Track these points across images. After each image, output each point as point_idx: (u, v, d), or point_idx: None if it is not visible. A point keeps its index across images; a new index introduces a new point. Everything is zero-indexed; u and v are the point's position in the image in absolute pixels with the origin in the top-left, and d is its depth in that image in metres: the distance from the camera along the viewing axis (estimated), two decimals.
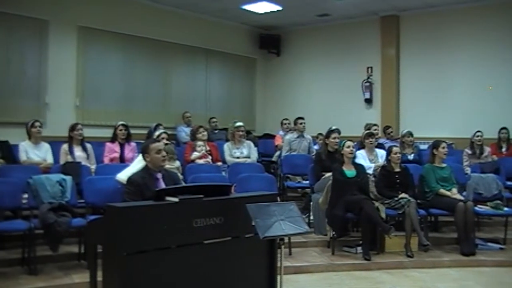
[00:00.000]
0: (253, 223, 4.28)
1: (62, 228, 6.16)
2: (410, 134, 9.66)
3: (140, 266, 4.04)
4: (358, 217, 7.36)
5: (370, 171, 8.26)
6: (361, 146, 9.01)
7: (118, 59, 11.45)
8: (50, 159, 8.10)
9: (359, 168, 7.75)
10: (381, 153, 8.83)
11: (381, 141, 10.35)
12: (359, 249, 7.40)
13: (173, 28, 12.31)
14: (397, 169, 7.94)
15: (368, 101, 13.12)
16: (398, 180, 7.85)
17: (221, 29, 13.57)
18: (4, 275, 6.12)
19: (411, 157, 9.45)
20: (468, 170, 9.16)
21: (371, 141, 8.89)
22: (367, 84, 13.12)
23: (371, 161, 8.72)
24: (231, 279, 4.64)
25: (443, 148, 8.09)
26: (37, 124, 8.13)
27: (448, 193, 7.79)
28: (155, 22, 11.94)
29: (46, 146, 8.22)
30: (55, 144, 8.35)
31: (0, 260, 6.54)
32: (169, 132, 9.14)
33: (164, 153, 5.74)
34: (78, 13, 10.58)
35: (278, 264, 4.79)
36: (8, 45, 9.63)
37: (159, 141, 5.99)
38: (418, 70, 12.52)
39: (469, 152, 9.65)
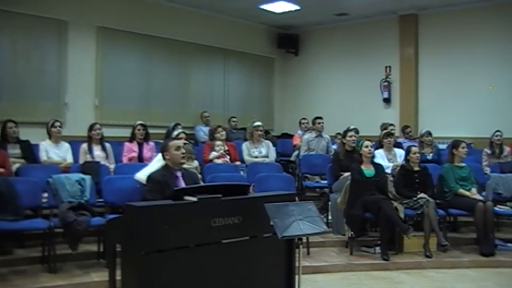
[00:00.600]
0: (271, 223, 4.27)
1: (82, 227, 6.20)
2: (428, 133, 9.62)
3: (158, 265, 4.06)
4: (376, 217, 7.32)
5: (388, 171, 8.24)
6: (379, 145, 8.98)
7: (136, 59, 11.50)
8: (69, 159, 8.16)
9: (378, 167, 7.72)
10: (400, 153, 8.80)
11: (399, 140, 10.31)
12: (378, 249, 7.38)
13: (191, 28, 12.33)
14: (416, 169, 7.90)
15: (387, 101, 13.06)
16: (417, 180, 7.81)
17: (239, 28, 13.58)
18: (24, 273, 6.18)
19: (429, 156, 9.41)
20: (487, 170, 9.09)
21: (389, 141, 8.87)
22: (386, 83, 13.06)
23: (389, 160, 8.69)
24: (249, 278, 4.64)
25: (463, 148, 8.04)
26: (57, 124, 8.21)
27: (467, 193, 7.74)
28: (174, 22, 11.98)
29: (66, 146, 8.28)
30: (74, 143, 8.42)
31: (21, 258, 6.61)
32: (187, 131, 9.17)
33: (183, 150, 5.78)
34: (97, 13, 10.64)
35: (296, 264, 4.79)
36: (29, 46, 9.71)
37: (178, 138, 6.00)
38: (437, 69, 12.43)
39: (489, 152, 9.57)
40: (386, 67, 13.07)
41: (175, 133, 8.39)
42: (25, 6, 9.49)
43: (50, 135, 8.19)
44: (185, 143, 6.74)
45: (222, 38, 13.10)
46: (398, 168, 8.18)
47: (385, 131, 9.34)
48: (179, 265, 4.17)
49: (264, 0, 11.91)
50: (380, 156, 8.60)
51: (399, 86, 12.89)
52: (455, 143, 8.15)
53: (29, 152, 8.07)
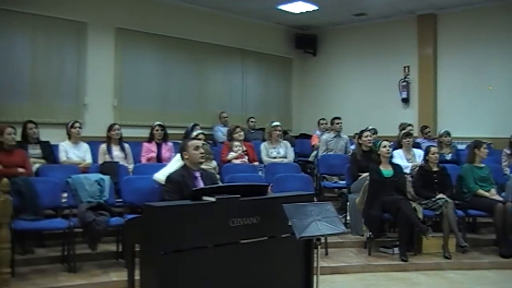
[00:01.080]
0: (290, 223, 4.28)
1: (101, 227, 6.25)
2: (447, 133, 9.56)
3: (177, 265, 4.07)
4: (395, 217, 7.29)
5: (407, 171, 8.21)
6: (398, 145, 8.95)
7: (155, 60, 11.55)
8: (89, 159, 8.21)
9: (396, 168, 7.70)
10: (419, 153, 8.76)
11: (418, 140, 10.25)
12: (396, 249, 7.35)
13: (209, 29, 12.36)
14: (435, 169, 7.86)
15: (405, 101, 12.99)
16: (436, 180, 7.77)
17: (257, 29, 13.59)
18: (44, 272, 6.24)
19: (448, 157, 9.34)
20: (507, 170, 8.99)
21: (408, 141, 8.84)
22: (404, 83, 13.00)
23: (408, 160, 8.67)
24: (267, 279, 4.65)
25: (485, 148, 7.98)
26: (76, 124, 8.26)
27: (486, 193, 7.68)
28: (191, 23, 12.01)
29: (85, 146, 8.34)
30: (93, 144, 8.47)
31: (41, 258, 6.68)
32: (206, 132, 9.21)
33: (202, 150, 5.79)
34: (116, 15, 10.71)
35: (315, 264, 4.79)
36: (49, 47, 9.80)
37: (197, 138, 6.01)
38: (456, 69, 12.34)
39: (508, 152, 9.46)
40: (404, 67, 13.01)
41: (194, 133, 8.42)
42: (45, 8, 9.58)
43: (69, 136, 8.25)
44: (203, 144, 6.76)
45: (240, 38, 13.12)
46: (417, 168, 8.14)
47: (403, 131, 9.29)
48: (198, 265, 4.19)
49: (282, 0, 11.91)
50: (399, 156, 8.58)
51: (418, 86, 12.82)
52: (476, 143, 8.09)
53: (49, 152, 8.13)
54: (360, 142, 8.55)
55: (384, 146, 7.64)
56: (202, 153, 5.78)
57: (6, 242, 5.03)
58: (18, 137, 7.66)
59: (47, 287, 5.80)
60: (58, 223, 6.47)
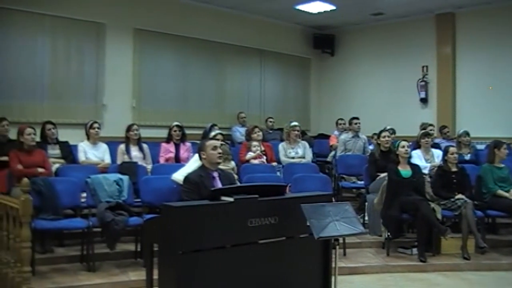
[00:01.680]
0: (308, 223, 4.28)
1: (119, 226, 6.29)
2: (466, 134, 9.48)
3: (195, 265, 4.09)
4: (413, 218, 7.26)
5: (426, 171, 8.17)
6: (416, 146, 8.91)
7: (173, 61, 11.59)
8: (107, 159, 8.26)
9: (415, 168, 7.66)
10: (438, 153, 8.70)
11: (437, 141, 10.18)
12: (415, 250, 7.32)
13: (227, 29, 12.38)
14: (454, 170, 7.81)
15: (424, 101, 12.91)
16: (454, 181, 7.72)
17: (275, 29, 13.59)
18: (64, 271, 6.31)
19: (467, 157, 9.26)
20: None
21: (427, 141, 8.79)
22: (423, 83, 12.92)
23: (427, 161, 8.61)
24: (285, 279, 4.65)
25: (505, 148, 7.92)
26: (95, 125, 8.31)
27: (506, 194, 7.62)
28: (209, 24, 12.04)
29: (103, 147, 8.39)
30: (112, 144, 8.53)
31: (61, 257, 6.75)
32: (224, 132, 9.21)
33: (220, 150, 5.80)
34: (134, 16, 10.76)
35: (333, 265, 4.78)
36: (68, 48, 9.87)
37: (215, 138, 6.02)
38: (475, 68, 12.24)
39: None
40: (423, 66, 12.93)
41: (212, 134, 8.44)
42: (65, 10, 9.66)
43: (88, 136, 8.31)
44: (222, 144, 6.78)
45: (258, 38, 13.13)
46: (436, 168, 8.10)
47: (423, 131, 9.24)
48: (216, 265, 4.20)
49: (299, 0, 11.90)
50: (418, 157, 8.53)
51: (436, 86, 12.74)
52: (496, 143, 8.03)
53: (68, 152, 8.20)
54: (379, 142, 8.53)
55: (403, 146, 7.60)
56: (220, 153, 5.79)
57: (27, 241, 5.07)
58: (38, 138, 7.73)
59: (67, 285, 5.86)
60: (77, 222, 6.52)
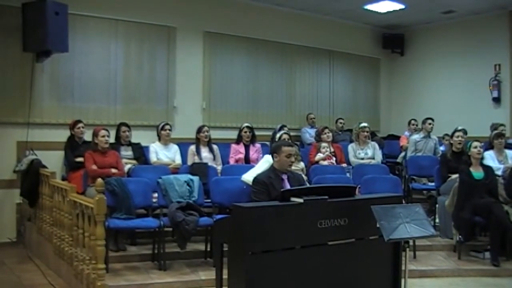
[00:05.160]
0: (378, 225, 4.24)
1: (190, 226, 6.38)
2: None
3: (264, 266, 4.11)
4: (486, 221, 7.06)
5: (499, 173, 7.93)
6: (489, 146, 8.68)
7: (242, 62, 11.65)
8: (178, 160, 8.39)
9: (488, 169, 7.46)
10: (511, 154, 8.45)
11: (510, 141, 9.89)
12: (487, 254, 7.14)
13: (296, 30, 12.37)
14: None
15: (496, 100, 12.51)
16: None
17: (343, 29, 13.48)
18: (136, 269, 6.47)
19: None
20: None
21: (500, 142, 8.53)
22: (495, 82, 12.53)
23: (500, 162, 8.37)
24: (354, 281, 4.62)
25: None
26: (166, 126, 8.47)
27: None
28: (278, 25, 12.05)
29: (175, 147, 8.54)
30: (183, 145, 8.68)
31: (133, 255, 6.93)
32: (293, 133, 9.20)
33: (293, 159, 5.82)
34: (204, 19, 10.86)
35: (403, 268, 4.72)
36: (140, 52, 10.06)
37: (292, 145, 6.02)
38: None
39: None
40: (495, 65, 12.54)
41: (277, 135, 8.46)
42: (137, 15, 9.85)
43: (159, 137, 8.47)
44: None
45: (327, 39, 13.05)
46: (509, 170, 7.85)
47: (495, 131, 9.00)
48: (285, 266, 4.21)
49: (368, 0, 11.79)
50: (490, 158, 8.29)
51: (510, 85, 12.34)
52: None
53: (141, 153, 8.38)
54: (451, 142, 8.36)
55: (475, 147, 7.42)
56: (292, 162, 5.81)
57: (101, 239, 5.22)
58: (112, 139, 7.93)
59: (139, 283, 6.00)
60: (149, 222, 6.65)
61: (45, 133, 8.74)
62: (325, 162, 8.74)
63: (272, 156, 5.86)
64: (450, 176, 7.94)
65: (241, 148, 8.80)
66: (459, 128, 8.54)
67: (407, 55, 14.47)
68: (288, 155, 5.72)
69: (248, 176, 6.62)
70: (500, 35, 12.36)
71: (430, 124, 9.98)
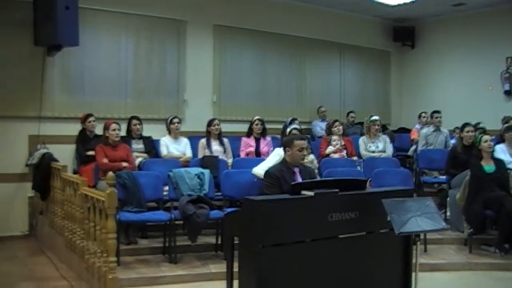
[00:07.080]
0: (389, 219, 4.23)
1: (201, 219, 6.40)
2: None
3: (275, 259, 4.11)
4: (497, 214, 7.04)
5: (510, 166, 7.89)
6: (500, 140, 8.63)
7: (253, 56, 11.63)
8: (189, 153, 8.42)
9: (499, 163, 7.42)
10: None
11: None
12: None
13: (306, 24, 12.33)
14: None
15: (508, 93, 12.45)
16: None
17: (354, 22, 13.42)
18: (147, 262, 6.50)
19: None
20: None
21: (511, 135, 8.48)
22: (507, 75, 12.45)
23: (511, 155, 8.32)
24: (365, 274, 4.61)
25: None
26: (175, 120, 8.49)
27: None
28: (288, 18, 12.01)
29: (185, 141, 8.57)
30: (193, 138, 8.70)
31: (144, 248, 6.96)
32: (304, 126, 9.19)
33: (305, 153, 5.83)
34: (214, 12, 10.85)
35: (414, 261, 4.71)
36: (151, 46, 10.05)
37: (304, 139, 6.02)
38: None
39: None
40: (507, 58, 12.45)
41: (288, 130, 8.46)
42: (148, 8, 9.84)
43: (169, 131, 8.50)
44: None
45: (337, 32, 13.00)
46: None
47: (507, 124, 8.94)
48: (296, 259, 4.21)
49: None
50: (501, 151, 8.24)
51: None
52: None
53: (151, 147, 8.42)
54: (462, 136, 8.31)
55: (486, 141, 7.38)
56: (304, 155, 5.82)
57: (112, 232, 5.24)
58: (123, 133, 7.96)
59: (150, 276, 6.04)
60: (160, 215, 6.69)
61: (57, 127, 8.76)
62: (336, 155, 8.73)
63: (284, 150, 5.86)
64: (456, 172, 7.90)
65: (251, 141, 8.81)
66: (480, 124, 8.44)
67: (417, 48, 14.38)
68: (301, 148, 5.73)
69: (259, 169, 6.63)
70: (511, 27, 12.27)
71: (437, 117, 9.96)
